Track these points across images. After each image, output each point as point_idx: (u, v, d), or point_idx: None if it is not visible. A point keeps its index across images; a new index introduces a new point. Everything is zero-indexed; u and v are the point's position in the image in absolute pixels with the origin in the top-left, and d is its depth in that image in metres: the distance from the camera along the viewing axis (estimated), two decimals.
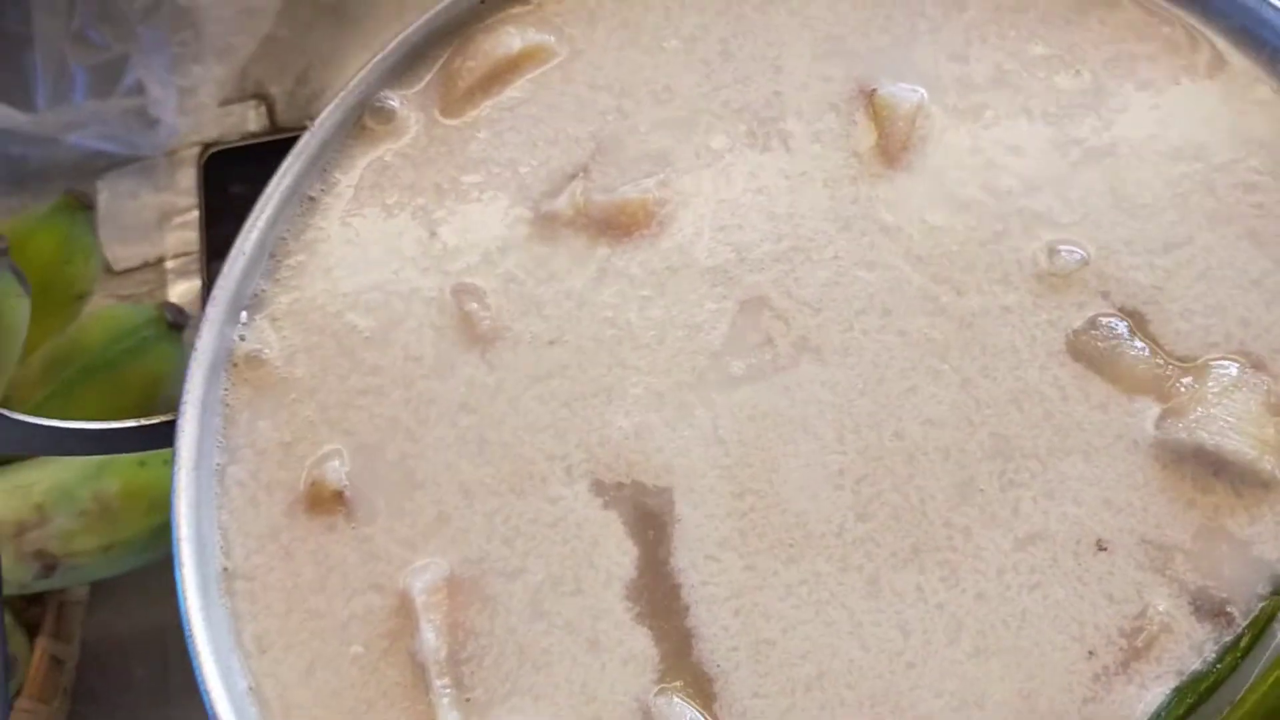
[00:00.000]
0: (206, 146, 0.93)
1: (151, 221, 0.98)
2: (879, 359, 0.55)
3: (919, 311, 0.55)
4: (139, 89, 0.95)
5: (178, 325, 0.79)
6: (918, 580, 0.51)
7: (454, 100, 0.62)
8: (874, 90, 0.60)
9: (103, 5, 0.93)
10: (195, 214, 0.94)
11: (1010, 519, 0.52)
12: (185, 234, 0.97)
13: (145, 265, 0.97)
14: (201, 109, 0.97)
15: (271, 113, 0.99)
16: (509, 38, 0.62)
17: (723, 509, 0.53)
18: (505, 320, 0.57)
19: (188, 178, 0.96)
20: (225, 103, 0.99)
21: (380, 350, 0.58)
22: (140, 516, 0.74)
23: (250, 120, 0.99)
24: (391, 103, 0.62)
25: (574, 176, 0.60)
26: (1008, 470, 0.52)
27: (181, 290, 0.95)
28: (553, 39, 0.63)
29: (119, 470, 0.74)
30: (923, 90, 0.60)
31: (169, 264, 0.97)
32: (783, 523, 0.52)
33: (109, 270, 0.96)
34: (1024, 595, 0.51)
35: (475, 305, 0.57)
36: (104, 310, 0.84)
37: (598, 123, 0.61)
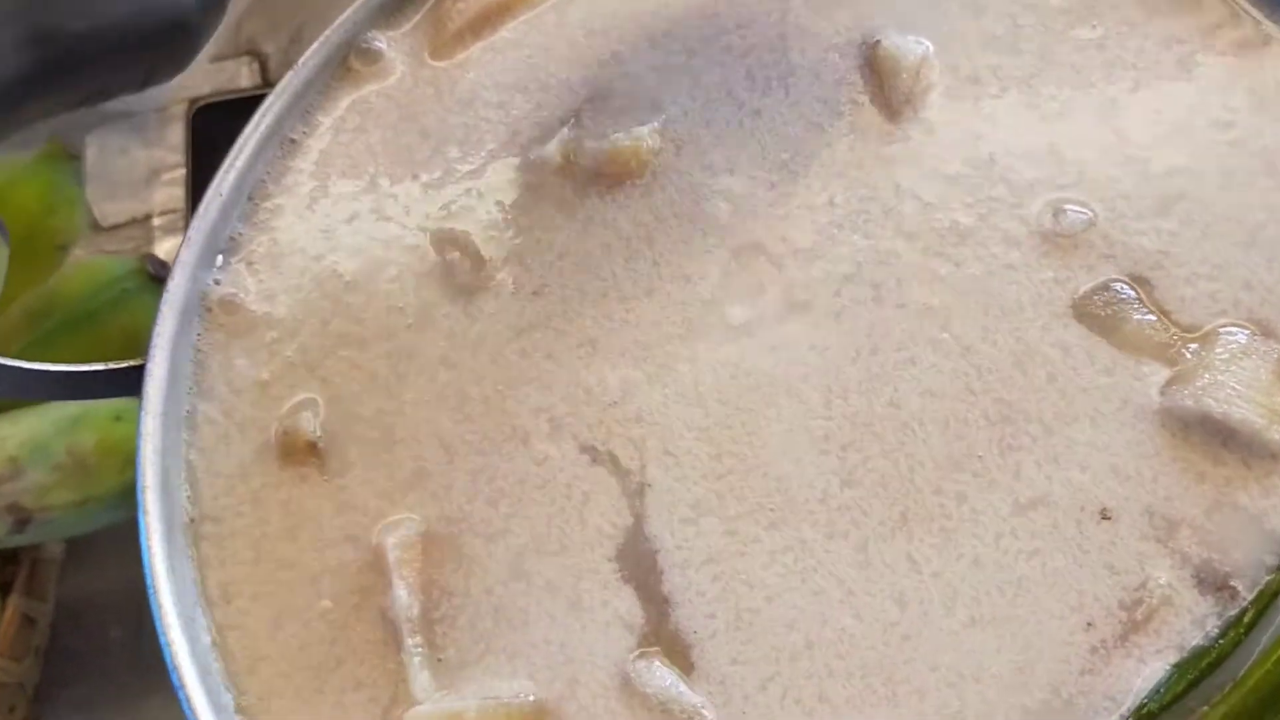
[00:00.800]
0: (194, 101, 0.90)
1: (140, 178, 0.96)
2: (873, 329, 0.53)
3: (916, 280, 0.53)
4: None
5: (159, 278, 0.77)
6: (907, 549, 0.49)
7: (443, 42, 0.60)
8: (878, 41, 0.58)
9: None
10: (184, 170, 0.92)
11: (1011, 483, 0.50)
12: (174, 190, 0.95)
13: (133, 221, 0.95)
14: (193, 65, 0.95)
15: (264, 70, 0.97)
16: None
17: (698, 470, 0.51)
18: (488, 270, 0.55)
19: (177, 134, 0.94)
20: (217, 59, 0.97)
21: (364, 297, 0.56)
22: (116, 472, 0.72)
23: (243, 77, 0.97)
24: (378, 43, 0.60)
25: (565, 123, 0.58)
26: (1007, 435, 0.50)
27: (168, 247, 0.93)
28: None
29: (94, 424, 0.72)
30: (928, 44, 0.58)
31: (156, 220, 0.95)
32: (763, 487, 0.50)
33: (96, 226, 0.94)
34: (1021, 562, 0.49)
35: (457, 254, 0.55)
36: (85, 262, 0.83)
37: (592, 68, 0.59)
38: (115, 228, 0.95)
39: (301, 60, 0.58)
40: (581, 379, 0.53)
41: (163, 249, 0.93)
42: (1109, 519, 0.49)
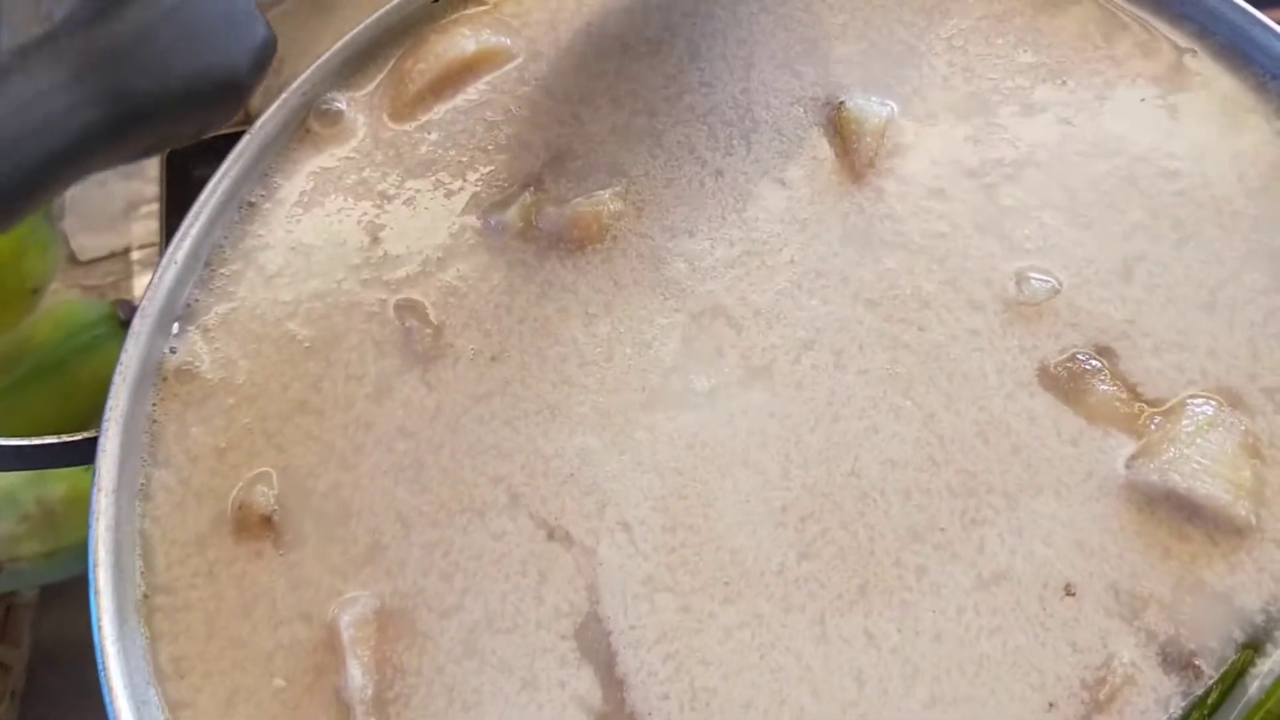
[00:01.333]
0: None
1: (118, 210, 0.95)
2: (834, 396, 0.52)
3: (879, 346, 0.53)
4: None
5: (130, 323, 0.76)
6: (865, 623, 0.48)
7: (404, 103, 0.59)
8: (842, 102, 0.57)
9: None
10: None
11: (974, 557, 0.49)
12: (152, 224, 0.94)
13: (112, 255, 0.95)
14: None
15: None
16: (463, 39, 0.59)
17: (652, 543, 0.50)
18: (447, 337, 0.54)
19: (154, 165, 0.93)
20: None
21: (323, 364, 0.55)
22: (84, 523, 0.71)
23: None
24: (338, 104, 0.59)
25: (526, 186, 0.57)
26: (970, 508, 0.50)
27: (145, 283, 0.92)
28: (509, 41, 0.60)
29: (63, 475, 0.71)
30: (893, 105, 0.57)
31: (135, 254, 0.94)
32: (718, 560, 0.50)
33: (74, 260, 0.93)
34: (983, 639, 0.48)
35: (415, 322, 0.54)
36: (58, 306, 0.82)
37: (553, 129, 0.58)
38: (94, 261, 0.94)
39: (259, 123, 0.57)
40: (540, 447, 0.52)
41: (140, 285, 0.92)
42: (1073, 595, 0.48)
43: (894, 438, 0.51)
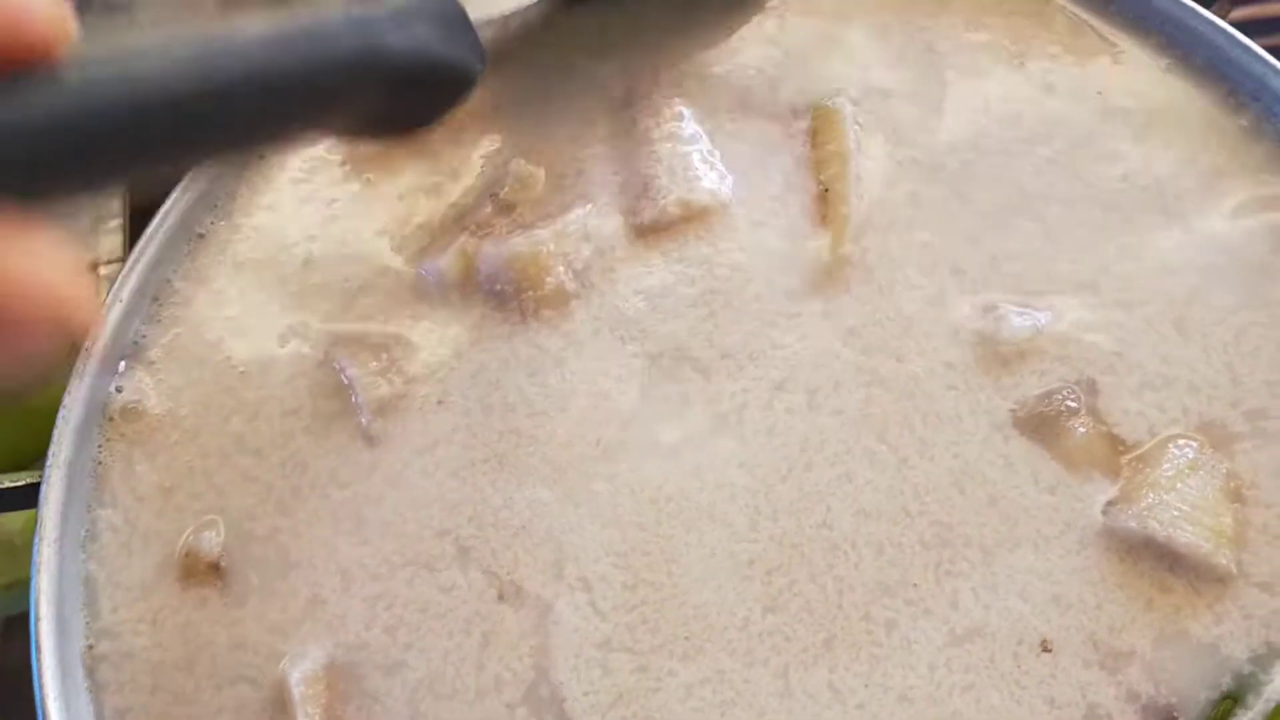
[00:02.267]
0: None
1: (85, 225, 0.93)
2: (807, 442, 0.50)
3: (855, 384, 0.51)
4: None
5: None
6: (829, 677, 0.46)
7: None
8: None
9: None
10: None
11: (947, 612, 0.47)
12: (118, 238, 0.92)
13: None
14: None
15: None
16: None
17: (610, 601, 0.48)
18: (389, 384, 0.52)
19: None
20: None
21: (261, 392, 0.53)
22: None
23: None
24: None
25: (466, 229, 0.55)
26: (945, 561, 0.48)
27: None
28: None
29: None
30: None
31: (102, 269, 0.92)
32: (679, 616, 0.48)
33: None
34: (955, 696, 0.46)
35: (355, 371, 0.52)
36: None
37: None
38: None
39: None
40: (489, 498, 0.50)
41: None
42: (1049, 651, 0.46)
43: (867, 486, 0.49)
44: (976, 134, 0.56)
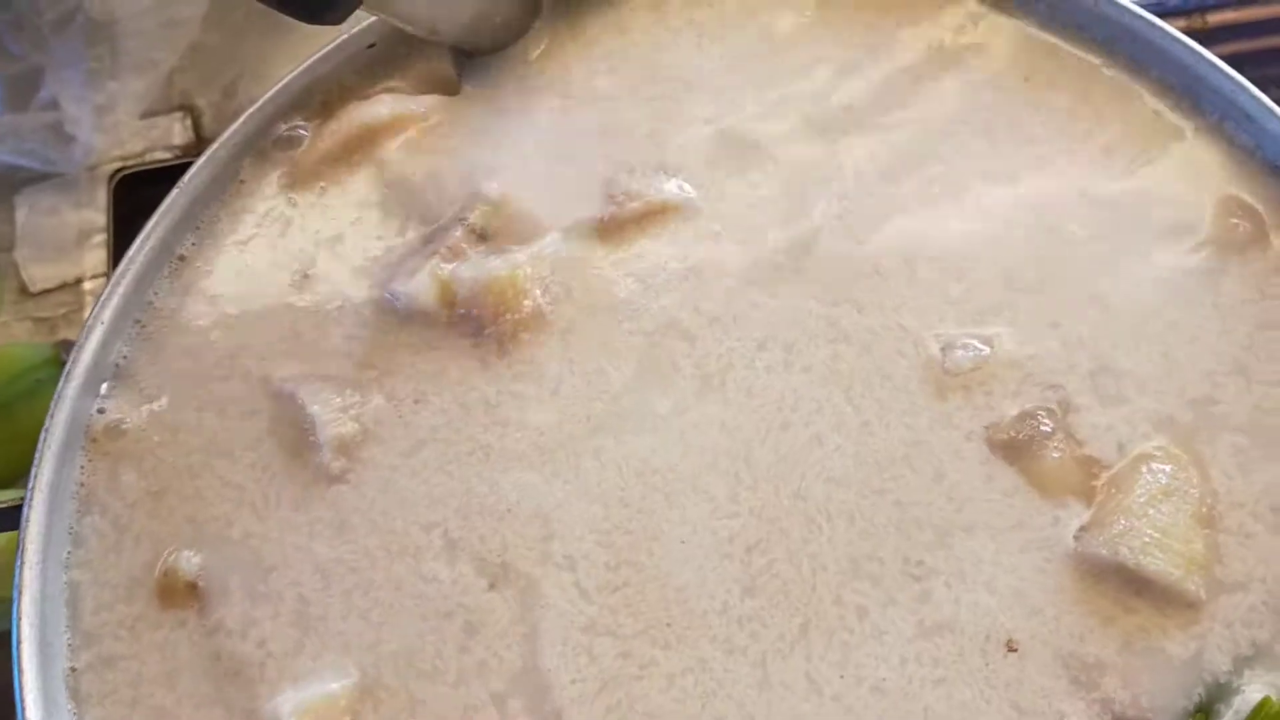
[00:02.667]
0: (119, 169, 0.88)
1: (70, 239, 0.93)
2: (783, 400, 0.51)
3: (822, 339, 0.53)
4: (55, 104, 0.90)
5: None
6: (806, 667, 0.47)
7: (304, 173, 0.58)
8: None
9: (16, 14, 0.88)
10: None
11: (917, 605, 0.48)
12: (103, 253, 0.92)
13: (63, 286, 0.93)
14: (119, 126, 0.92)
15: (197, 126, 0.94)
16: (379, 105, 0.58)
17: (595, 581, 0.49)
18: (349, 425, 0.53)
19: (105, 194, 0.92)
20: (148, 114, 0.94)
21: (240, 415, 0.54)
22: None
23: (175, 133, 0.94)
24: (300, 130, 0.59)
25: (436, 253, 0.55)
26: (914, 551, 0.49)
27: None
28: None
29: None
30: None
31: (87, 284, 0.92)
32: (660, 599, 0.49)
33: (24, 292, 0.91)
34: (927, 691, 0.47)
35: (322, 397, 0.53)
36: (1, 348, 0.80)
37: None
38: (45, 292, 0.92)
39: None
40: (474, 487, 0.51)
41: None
42: (1015, 651, 0.47)
43: (835, 451, 0.51)
44: None
